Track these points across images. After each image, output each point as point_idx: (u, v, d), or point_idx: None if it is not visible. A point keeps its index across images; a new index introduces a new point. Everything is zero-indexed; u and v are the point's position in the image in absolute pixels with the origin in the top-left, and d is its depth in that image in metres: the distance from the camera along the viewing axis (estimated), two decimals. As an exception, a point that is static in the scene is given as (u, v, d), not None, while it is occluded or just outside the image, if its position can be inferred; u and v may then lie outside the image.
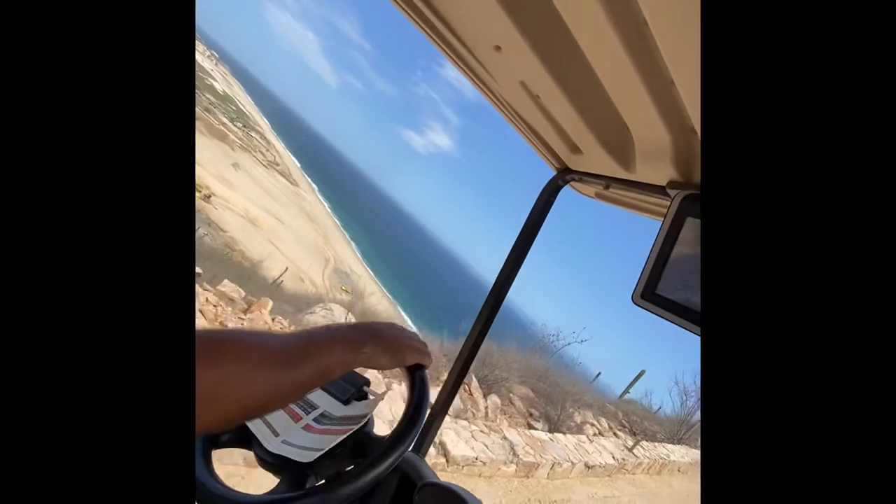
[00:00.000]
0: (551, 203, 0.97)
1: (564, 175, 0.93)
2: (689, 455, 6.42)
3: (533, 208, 0.98)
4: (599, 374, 8.13)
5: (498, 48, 0.60)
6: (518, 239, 1.00)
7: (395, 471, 0.93)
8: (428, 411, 0.57)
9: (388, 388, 3.71)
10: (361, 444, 0.61)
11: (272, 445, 0.55)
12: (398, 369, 0.59)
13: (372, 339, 0.53)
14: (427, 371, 0.62)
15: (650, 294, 0.68)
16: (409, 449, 0.54)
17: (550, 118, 0.74)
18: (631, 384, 7.22)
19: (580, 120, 0.68)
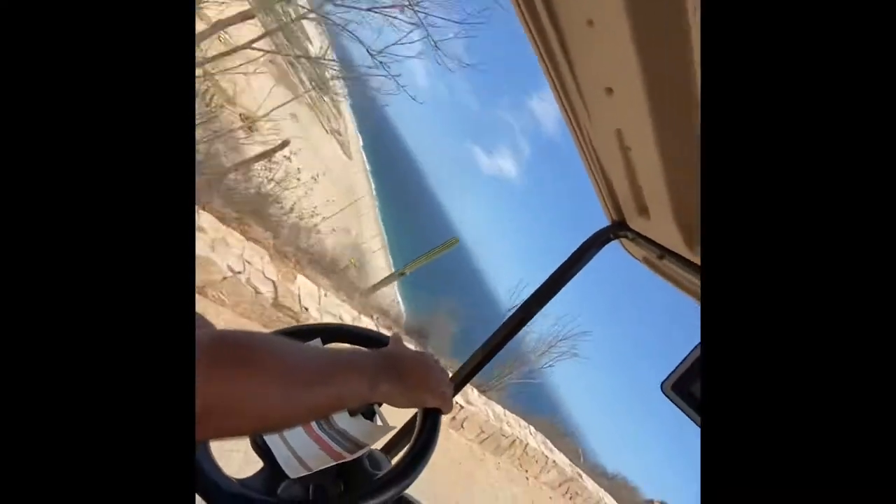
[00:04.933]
0: (594, 253, 0.88)
1: (618, 229, 0.84)
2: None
3: (573, 254, 0.90)
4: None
5: (609, 91, 0.53)
6: (548, 280, 0.91)
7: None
8: (428, 460, 0.51)
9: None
10: (350, 470, 0.55)
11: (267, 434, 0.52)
12: None
13: (392, 376, 0.48)
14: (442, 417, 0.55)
15: (682, 388, 0.60)
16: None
17: (631, 172, 0.66)
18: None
19: (664, 185, 0.60)
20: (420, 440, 0.51)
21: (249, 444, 0.53)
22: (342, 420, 0.55)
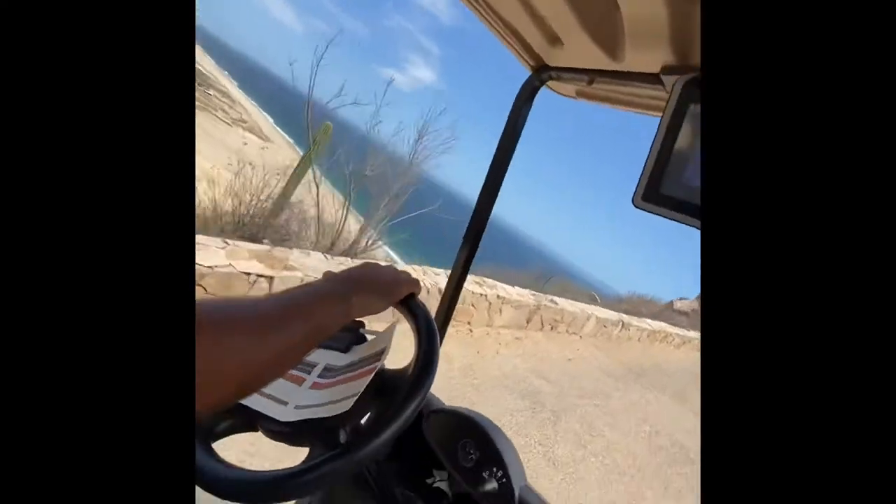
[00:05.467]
0: (529, 107, 0.84)
1: (541, 74, 0.80)
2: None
3: (509, 115, 0.86)
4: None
5: None
6: (497, 150, 0.88)
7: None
8: (439, 337, 0.50)
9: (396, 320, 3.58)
10: (380, 384, 0.54)
11: (286, 415, 0.48)
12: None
13: (357, 287, 0.48)
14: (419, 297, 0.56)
15: (653, 194, 0.59)
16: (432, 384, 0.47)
17: (527, 4, 0.60)
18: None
19: (564, 3, 0.54)
20: (420, 322, 0.51)
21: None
22: (343, 359, 0.55)
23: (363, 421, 0.53)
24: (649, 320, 8.56)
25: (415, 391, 0.45)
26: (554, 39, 0.69)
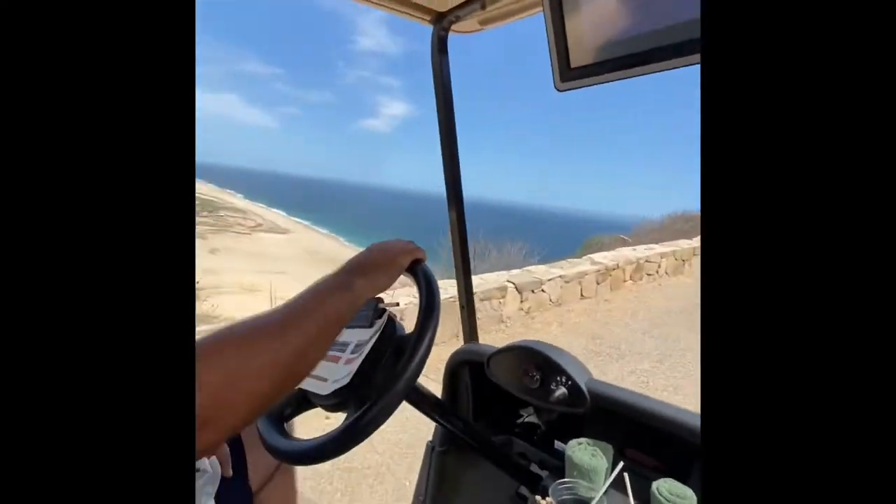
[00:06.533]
0: (446, 60, 0.83)
1: (442, 22, 0.79)
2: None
3: (434, 80, 0.85)
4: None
5: None
6: (439, 118, 0.87)
7: (461, 364, 0.94)
8: (440, 295, 0.55)
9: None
10: (400, 347, 0.59)
11: (327, 389, 0.56)
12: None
13: (358, 271, 0.51)
14: (425, 263, 0.60)
15: (568, 72, 0.58)
16: (435, 338, 0.52)
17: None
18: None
19: None
20: (422, 285, 0.55)
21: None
22: (368, 333, 0.59)
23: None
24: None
25: (417, 343, 0.50)
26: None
